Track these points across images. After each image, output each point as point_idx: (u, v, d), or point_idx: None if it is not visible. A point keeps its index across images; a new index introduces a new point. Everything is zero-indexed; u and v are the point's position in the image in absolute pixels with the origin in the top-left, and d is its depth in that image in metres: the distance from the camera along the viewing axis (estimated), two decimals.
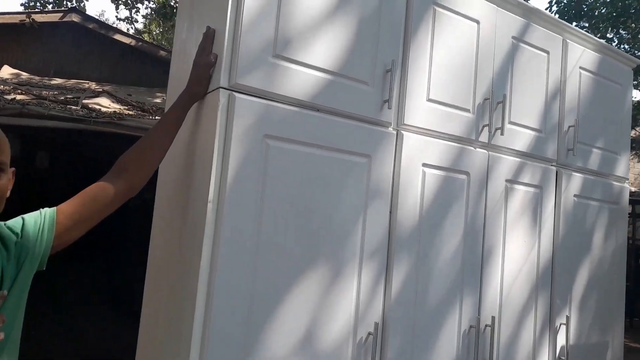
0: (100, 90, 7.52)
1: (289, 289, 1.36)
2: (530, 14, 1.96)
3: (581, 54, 2.12)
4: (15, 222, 1.14)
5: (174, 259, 1.44)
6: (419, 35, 1.64)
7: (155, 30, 15.01)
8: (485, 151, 1.79)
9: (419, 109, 1.63)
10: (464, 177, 1.73)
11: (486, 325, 1.76)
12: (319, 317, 1.41)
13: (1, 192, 1.02)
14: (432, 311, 1.64)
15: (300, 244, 1.38)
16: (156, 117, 6.62)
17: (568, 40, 2.08)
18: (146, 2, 13.59)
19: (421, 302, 1.61)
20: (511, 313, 1.85)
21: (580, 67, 2.12)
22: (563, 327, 2.00)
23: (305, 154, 1.40)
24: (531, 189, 1.92)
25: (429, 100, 1.66)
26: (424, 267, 1.62)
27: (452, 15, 1.72)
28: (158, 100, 8.40)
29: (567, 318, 2.00)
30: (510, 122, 1.85)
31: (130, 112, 6.61)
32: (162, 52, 9.68)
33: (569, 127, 2.06)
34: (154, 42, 12.70)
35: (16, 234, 1.12)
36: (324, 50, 1.45)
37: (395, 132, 1.58)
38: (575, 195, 2.06)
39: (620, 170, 2.28)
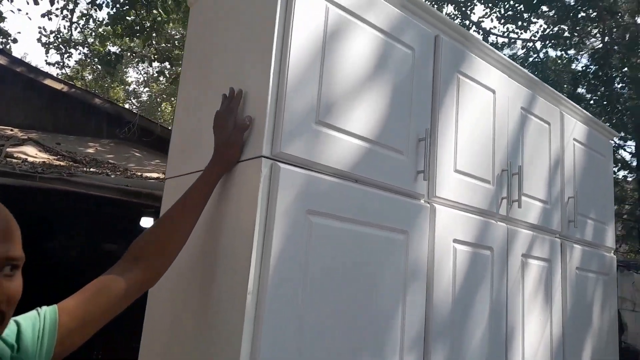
0: (25, 137, 6.97)
1: None
2: (534, 85, 1.98)
3: (574, 126, 2.17)
4: (9, 331, 0.87)
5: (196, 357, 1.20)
6: (446, 103, 1.58)
7: (87, 77, 14.39)
8: (504, 224, 1.72)
9: (448, 181, 1.55)
10: (488, 252, 1.64)
11: None
12: None
13: (16, 296, 0.76)
14: None
15: (343, 338, 1.20)
16: (91, 169, 6.18)
17: (563, 112, 2.12)
18: (80, 48, 13.13)
19: None
20: None
21: (574, 139, 2.16)
22: None
23: (347, 231, 1.25)
24: (542, 263, 1.87)
25: (456, 171, 1.58)
26: (457, 353, 1.48)
27: (473, 84, 1.68)
28: (91, 150, 7.91)
29: None
30: (524, 194, 1.81)
31: (61, 163, 6.13)
32: (97, 100, 9.24)
33: (569, 198, 2.06)
34: (87, 89, 12.13)
35: (11, 346, 0.86)
36: (361, 117, 1.33)
37: (428, 206, 1.47)
38: (577, 268, 2.04)
39: (608, 241, 2.31)
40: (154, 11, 6.57)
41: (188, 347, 1.24)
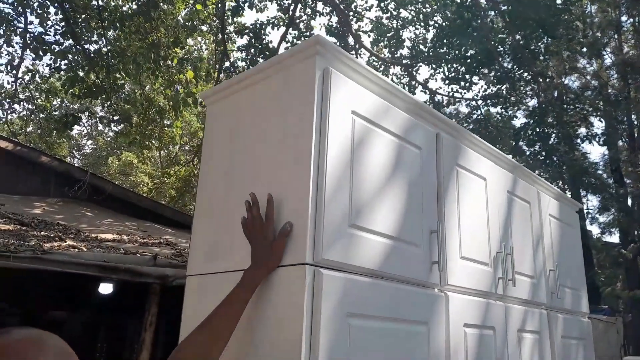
0: None
1: None
2: (515, 169, 2.17)
3: (548, 202, 2.37)
4: None
5: None
6: (449, 194, 1.71)
7: (32, 133, 13.93)
8: (502, 303, 1.85)
9: (457, 268, 1.66)
10: (491, 332, 1.75)
11: None
12: None
13: None
14: None
15: None
16: (42, 233, 5.91)
17: (539, 191, 2.32)
18: (24, 103, 12.74)
19: None
20: None
21: (550, 214, 2.35)
22: None
23: (379, 329, 1.31)
24: (534, 336, 2.00)
25: (462, 257, 1.70)
26: None
27: (468, 174, 1.84)
28: (38, 211, 7.57)
29: None
30: (516, 272, 1.95)
31: (8, 227, 5.84)
32: (43, 157, 8.94)
33: (550, 270, 2.23)
34: (32, 146, 11.71)
35: None
36: (383, 216, 1.43)
37: (443, 294, 1.57)
38: (562, 337, 2.18)
39: (583, 307, 2.49)
40: (116, 74, 6.57)
41: None
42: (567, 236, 2.49)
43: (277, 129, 1.42)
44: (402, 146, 1.56)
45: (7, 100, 12.53)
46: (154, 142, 10.89)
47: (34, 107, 12.35)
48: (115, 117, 7.54)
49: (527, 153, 12.15)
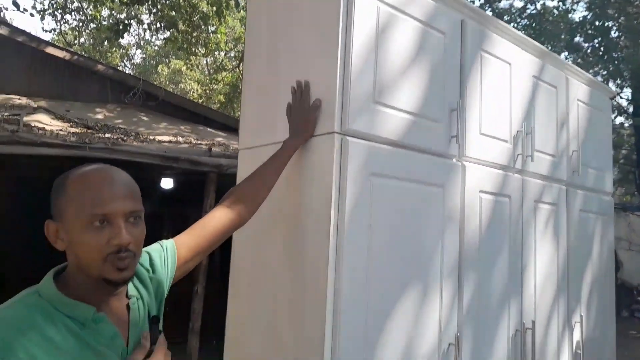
0: (36, 106, 7.13)
1: (393, 308, 1.52)
2: (543, 55, 2.26)
3: (578, 88, 2.46)
4: (143, 259, 1.16)
5: (285, 288, 1.54)
6: (472, 77, 1.86)
7: (86, 42, 14.39)
8: (520, 176, 2.05)
9: (475, 142, 1.85)
10: (507, 200, 1.97)
11: (527, 329, 2.00)
12: (414, 332, 1.57)
13: (141, 238, 1.03)
14: (491, 320, 1.85)
15: (398, 268, 1.54)
16: (106, 135, 6.41)
17: (568, 77, 2.41)
18: (75, 14, 13.04)
19: (484, 313, 1.82)
20: (542, 317, 2.11)
21: (578, 100, 2.45)
22: (578, 325, 2.30)
23: (399, 187, 1.57)
24: (550, 207, 2.21)
25: (481, 134, 1.89)
26: (485, 283, 1.83)
27: (492, 59, 1.96)
28: (99, 116, 8.09)
29: (581, 317, 2.31)
30: (536, 150, 2.12)
31: (76, 130, 6.36)
32: (100, 67, 9.33)
33: (573, 151, 2.38)
34: (88, 56, 12.17)
35: (147, 269, 1.16)
36: (406, 95, 1.63)
37: (460, 164, 1.78)
38: (580, 210, 2.38)
39: (607, 186, 2.64)
40: None
41: (274, 280, 1.57)
42: (596, 120, 2.59)
43: (309, 17, 1.60)
44: (426, 31, 1.71)
45: (59, 11, 12.86)
46: (200, 48, 11.08)
47: (84, 18, 12.66)
48: (162, 24, 7.72)
49: (585, 49, 11.51)
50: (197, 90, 16.62)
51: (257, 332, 1.63)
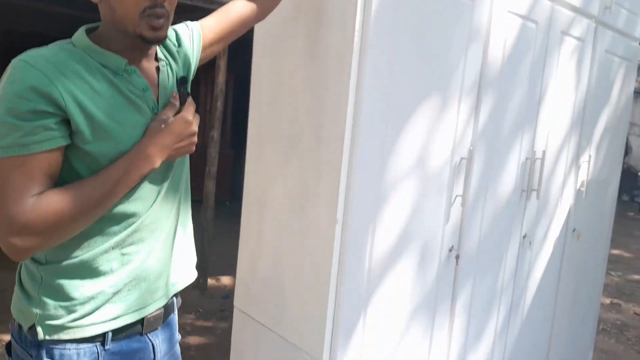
0: None
1: (411, 118, 1.55)
2: None
3: None
4: (169, 34, 1.16)
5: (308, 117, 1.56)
6: None
7: None
8: (550, 3, 1.96)
9: None
10: (534, 25, 1.91)
11: (536, 158, 2.06)
12: (430, 143, 1.62)
13: (174, 2, 1.01)
14: (503, 143, 1.90)
15: (420, 79, 1.55)
16: None
17: None
18: None
19: (498, 135, 1.86)
20: (552, 150, 2.16)
21: None
22: (585, 164, 2.36)
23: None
24: (576, 42, 2.15)
25: None
26: (501, 105, 1.84)
27: None
28: None
29: (590, 157, 2.36)
30: None
31: None
32: None
33: None
34: None
35: (174, 43, 1.17)
36: None
37: None
38: (605, 51, 2.32)
39: (637, 31, 2.55)
40: None
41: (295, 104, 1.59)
42: None
43: None
44: None
45: None
46: None
47: None
48: None
49: None
50: None
51: (278, 139, 1.68)
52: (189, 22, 1.24)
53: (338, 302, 1.50)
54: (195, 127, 1.05)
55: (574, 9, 2.10)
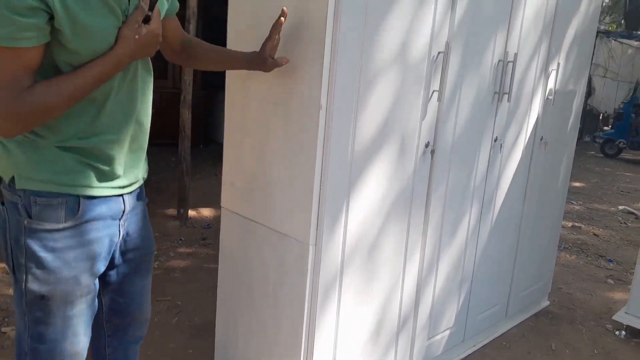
0: None
1: (393, 5, 1.58)
2: None
3: None
4: None
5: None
6: None
7: None
8: None
9: None
10: None
11: (509, 61, 2.13)
12: (407, 37, 1.66)
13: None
14: (478, 42, 1.96)
15: None
16: None
17: None
18: None
19: (473, 33, 1.91)
20: (524, 54, 2.23)
21: None
22: (554, 72, 2.45)
23: None
24: None
25: None
26: (477, 6, 1.89)
27: None
28: None
29: (558, 65, 2.45)
30: None
31: None
32: None
33: None
34: None
35: None
36: None
37: None
38: None
39: None
40: None
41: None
42: None
43: None
44: None
45: None
46: None
47: None
48: None
49: None
50: None
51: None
52: None
53: (323, 188, 1.57)
54: (160, 37, 1.16)
55: None
